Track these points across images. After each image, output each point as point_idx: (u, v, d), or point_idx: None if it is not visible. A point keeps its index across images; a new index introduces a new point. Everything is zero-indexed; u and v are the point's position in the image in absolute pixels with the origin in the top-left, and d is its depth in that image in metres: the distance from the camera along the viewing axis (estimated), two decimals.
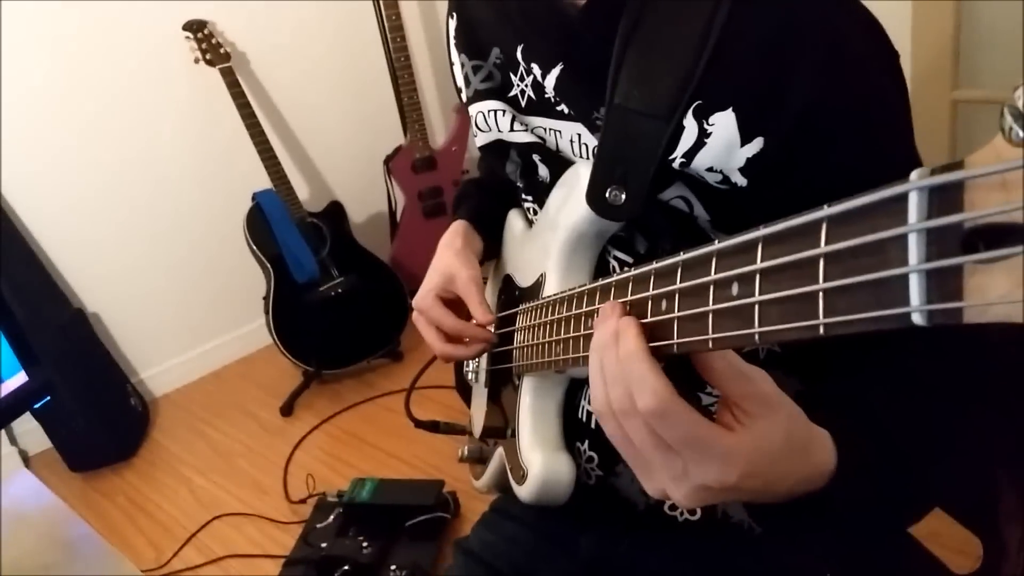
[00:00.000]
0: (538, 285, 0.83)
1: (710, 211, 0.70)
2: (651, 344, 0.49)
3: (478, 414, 1.00)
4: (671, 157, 0.67)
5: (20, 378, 0.99)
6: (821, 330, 0.36)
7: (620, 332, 0.50)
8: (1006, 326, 0.28)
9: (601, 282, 0.59)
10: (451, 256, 0.95)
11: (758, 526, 0.79)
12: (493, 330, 0.89)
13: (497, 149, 0.89)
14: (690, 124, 0.65)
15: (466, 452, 0.99)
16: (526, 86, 0.81)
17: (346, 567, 1.80)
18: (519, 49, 0.81)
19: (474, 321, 0.90)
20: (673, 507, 0.81)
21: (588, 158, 0.77)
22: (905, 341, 0.56)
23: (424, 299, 0.93)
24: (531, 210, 0.93)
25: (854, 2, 0.65)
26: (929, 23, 1.86)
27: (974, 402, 0.61)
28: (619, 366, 0.49)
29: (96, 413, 2.50)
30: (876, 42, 0.65)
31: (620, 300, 0.54)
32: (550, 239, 0.79)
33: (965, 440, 0.61)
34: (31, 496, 1.15)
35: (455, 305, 0.92)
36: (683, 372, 0.49)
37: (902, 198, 0.31)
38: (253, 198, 2.62)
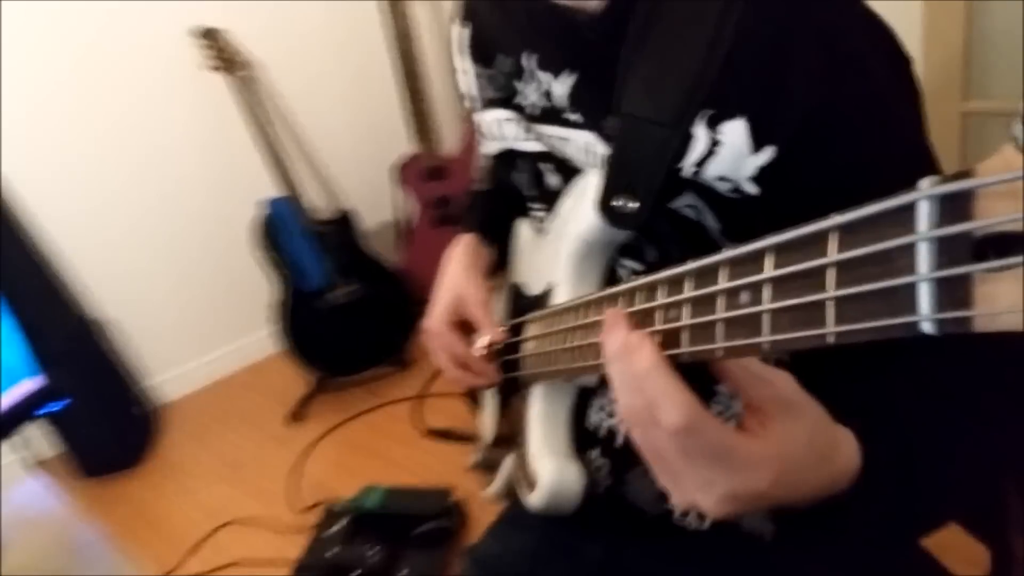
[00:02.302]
0: (547, 294, 0.83)
1: (720, 220, 0.70)
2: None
3: (488, 422, 1.00)
4: (681, 166, 0.67)
5: (29, 383, 1.00)
6: (831, 338, 0.36)
7: (634, 348, 0.49)
8: (1015, 334, 0.28)
9: (610, 291, 0.59)
10: (461, 275, 0.96)
11: (772, 532, 0.78)
12: (503, 339, 0.90)
13: (506, 158, 0.90)
14: (701, 133, 0.65)
15: (476, 460, 0.99)
16: (535, 95, 0.81)
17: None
18: (528, 57, 0.81)
19: (485, 341, 0.90)
20: (683, 516, 0.81)
21: (598, 167, 0.77)
22: (915, 349, 0.56)
23: (435, 323, 0.94)
24: (540, 219, 0.93)
25: (857, 3, 0.65)
26: (939, 35, 1.86)
27: (981, 410, 0.60)
28: (637, 381, 0.48)
29: (104, 420, 2.51)
30: (877, 40, 0.64)
31: (628, 310, 0.53)
32: (559, 248, 0.79)
33: (975, 448, 0.60)
34: (38, 500, 1.16)
35: (466, 327, 0.93)
36: (693, 380, 0.49)
37: (911, 207, 0.31)
38: (262, 205, 2.64)
